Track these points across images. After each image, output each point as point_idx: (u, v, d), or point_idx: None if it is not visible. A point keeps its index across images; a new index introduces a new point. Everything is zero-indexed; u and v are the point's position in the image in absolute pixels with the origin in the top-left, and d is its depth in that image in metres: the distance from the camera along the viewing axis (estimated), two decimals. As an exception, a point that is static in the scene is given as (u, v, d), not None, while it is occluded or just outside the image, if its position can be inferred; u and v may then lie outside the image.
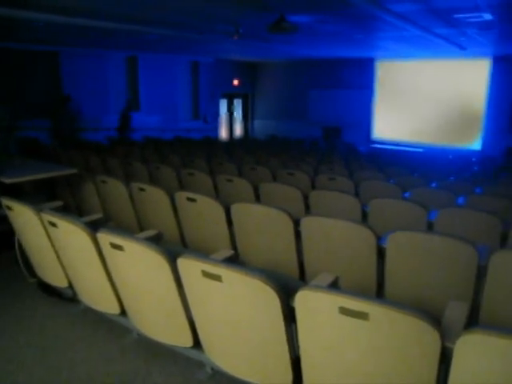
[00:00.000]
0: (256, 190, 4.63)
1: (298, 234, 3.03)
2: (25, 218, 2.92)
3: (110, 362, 2.66)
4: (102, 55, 12.41)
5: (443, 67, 13.21)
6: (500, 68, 12.28)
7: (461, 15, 6.71)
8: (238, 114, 17.28)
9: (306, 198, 4.31)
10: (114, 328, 2.93)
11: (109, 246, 2.30)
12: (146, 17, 7.40)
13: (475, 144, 13.01)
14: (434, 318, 1.49)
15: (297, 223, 3.00)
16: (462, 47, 10.04)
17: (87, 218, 3.12)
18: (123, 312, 2.63)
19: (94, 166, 6.20)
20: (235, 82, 16.53)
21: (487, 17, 6.71)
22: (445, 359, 1.52)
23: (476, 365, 1.45)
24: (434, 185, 5.51)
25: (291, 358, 1.89)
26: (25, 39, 9.83)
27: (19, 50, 10.61)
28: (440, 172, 6.92)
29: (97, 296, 2.80)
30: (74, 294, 3.02)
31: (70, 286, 2.99)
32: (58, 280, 3.07)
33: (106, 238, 2.32)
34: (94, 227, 2.47)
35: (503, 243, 3.34)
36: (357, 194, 4.80)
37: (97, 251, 2.47)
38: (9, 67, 10.45)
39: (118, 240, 2.23)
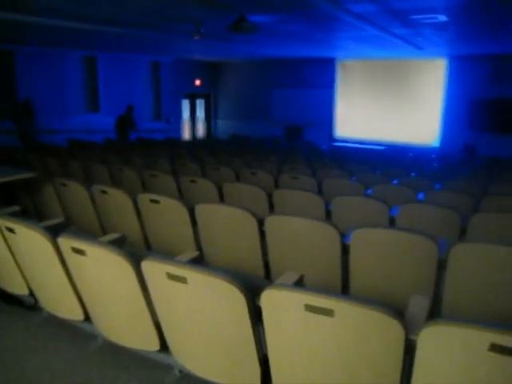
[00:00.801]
0: (220, 190, 4.62)
1: (262, 234, 3.04)
2: (-19, 225, 2.82)
3: (75, 370, 2.60)
4: (59, 55, 12.08)
5: (402, 66, 13.53)
6: (456, 67, 12.67)
7: (417, 16, 6.88)
8: (200, 114, 17.19)
9: (269, 197, 4.33)
10: (78, 334, 2.86)
11: (70, 251, 2.25)
12: (106, 16, 7.27)
13: (434, 141, 13.36)
14: (398, 312, 1.52)
15: (261, 222, 3.01)
16: (419, 47, 10.29)
17: (47, 223, 3.04)
18: (87, 318, 2.57)
19: (54, 169, 6.05)
20: (197, 82, 16.43)
21: (442, 18, 6.91)
22: (409, 351, 1.56)
23: (439, 355, 1.49)
24: (395, 181, 5.63)
25: (259, 357, 1.89)
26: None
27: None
28: (401, 169, 7.07)
29: (59, 303, 2.73)
30: (36, 301, 2.93)
31: (31, 293, 2.90)
32: (18, 288, 2.98)
33: (67, 242, 2.26)
34: (54, 232, 2.40)
35: (462, 236, 3.44)
36: (320, 192, 4.86)
37: (58, 256, 2.41)
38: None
39: (79, 244, 2.18)
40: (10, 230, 2.54)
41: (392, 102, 13.89)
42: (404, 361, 1.58)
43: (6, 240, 2.71)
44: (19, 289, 2.96)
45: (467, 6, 6.22)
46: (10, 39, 9.93)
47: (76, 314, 2.61)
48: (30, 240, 2.48)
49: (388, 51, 11.46)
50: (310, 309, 1.59)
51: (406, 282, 2.71)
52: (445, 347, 1.46)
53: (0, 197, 4.62)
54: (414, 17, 6.93)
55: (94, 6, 6.50)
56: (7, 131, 10.71)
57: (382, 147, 13.05)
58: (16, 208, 3.40)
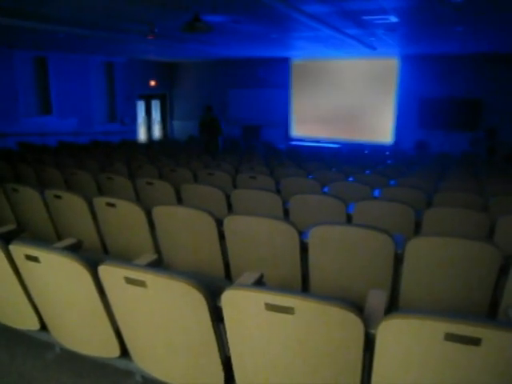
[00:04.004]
0: (177, 191, 4.58)
1: (221, 234, 3.03)
2: None
3: (33, 381, 2.52)
4: (7, 55, 11.64)
5: (356, 66, 13.80)
6: (407, 67, 13.04)
7: (369, 17, 7.04)
8: (156, 115, 16.97)
9: (227, 197, 4.33)
10: (35, 345, 2.77)
11: (24, 259, 2.17)
12: (56, 15, 7.07)
13: (388, 138, 13.69)
14: (357, 307, 1.55)
15: (220, 223, 3.01)
16: (372, 47, 10.53)
17: (-2, 230, 2.93)
18: (43, 327, 2.49)
19: (4, 173, 5.84)
20: (152, 83, 16.23)
21: (393, 19, 7.09)
22: (369, 345, 1.59)
23: (397, 347, 1.53)
24: (351, 179, 5.73)
25: (222, 359, 1.89)
26: None
27: None
28: (356, 166, 7.21)
29: (13, 312, 2.64)
30: (-13, 311, 2.82)
31: (-18, 303, 2.79)
32: (-33, 298, 2.86)
33: (19, 249, 2.19)
34: (6, 239, 2.32)
35: (417, 231, 3.55)
36: (278, 191, 4.89)
37: (10, 264, 2.32)
38: None
39: (33, 251, 2.11)
40: (-42, 239, 2.43)
41: (346, 101, 14.14)
42: (364, 355, 1.61)
43: (-47, 249, 2.60)
44: (-31, 299, 2.84)
45: (416, 8, 6.41)
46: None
47: (31, 324, 2.52)
48: (-20, 248, 2.38)
49: (342, 51, 11.66)
50: (271, 307, 1.60)
51: (364, 277, 2.76)
52: (403, 339, 1.50)
53: None
54: (366, 17, 7.08)
55: (44, 4, 6.31)
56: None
57: (337, 145, 13.28)
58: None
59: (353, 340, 1.59)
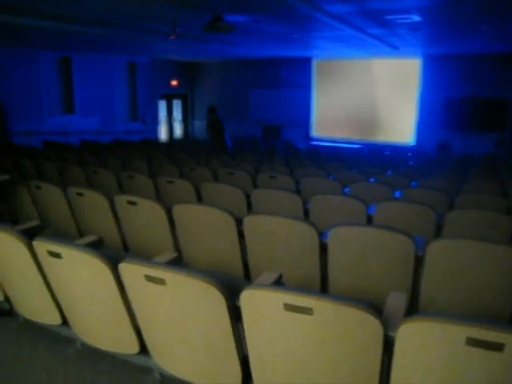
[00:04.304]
0: (197, 190, 4.60)
1: (241, 233, 3.03)
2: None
3: (54, 375, 2.56)
4: (32, 55, 11.87)
5: (378, 66, 13.68)
6: (430, 66, 12.88)
7: (391, 16, 6.97)
8: (177, 114, 17.09)
9: (247, 197, 4.33)
10: (56, 339, 2.81)
11: (46, 255, 2.21)
12: (81, 16, 7.17)
13: (410, 140, 13.55)
14: (376, 309, 1.54)
15: (239, 222, 3.01)
16: (394, 47, 10.43)
17: (22, 226, 2.98)
18: (65, 322, 2.53)
19: (29, 171, 5.95)
20: (174, 83, 16.34)
21: (416, 18, 7.01)
22: (388, 348, 1.57)
23: (417, 351, 1.51)
24: (371, 180, 5.69)
25: (239, 358, 1.89)
26: None
27: None
28: (377, 167, 7.14)
29: (36, 307, 2.69)
30: (11, 306, 2.88)
31: (7, 298, 2.84)
32: (-9, 293, 2.92)
33: (42, 245, 2.22)
34: (29, 235, 2.36)
35: (438, 233, 3.50)
36: (298, 191, 4.88)
37: (34, 260, 2.36)
38: None
39: (55, 247, 2.15)
40: (-17, 235, 2.49)
41: (368, 101, 14.03)
42: (383, 358, 1.60)
43: (-22, 244, 2.66)
44: (-7, 294, 2.90)
45: (439, 7, 6.33)
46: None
47: (53, 319, 2.57)
48: (5, 244, 2.43)
49: (364, 50, 11.58)
50: (289, 308, 1.59)
51: (383, 279, 2.74)
52: (423, 343, 1.48)
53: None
54: (389, 17, 7.02)
55: (69, 5, 6.41)
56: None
57: (358, 146, 13.18)
58: (-11, 212, 3.33)
59: (371, 342, 1.57)
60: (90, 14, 7.12)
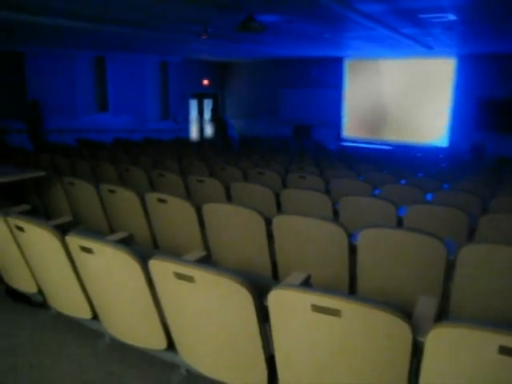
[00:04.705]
0: (227, 189, 4.62)
1: (270, 233, 3.03)
2: (-10, 223, 2.84)
3: (83, 368, 2.61)
4: (68, 55, 12.16)
5: (411, 66, 13.47)
6: (465, 67, 12.60)
7: (426, 15, 6.86)
8: (208, 113, 17.20)
9: (277, 196, 4.32)
10: (86, 332, 2.87)
11: (78, 250, 2.26)
12: (115, 17, 7.30)
13: (443, 141, 13.29)
14: (405, 313, 1.52)
15: (268, 222, 3.01)
16: (428, 46, 10.25)
17: (56, 222, 3.06)
18: (95, 316, 2.58)
19: (63, 168, 6.09)
20: (205, 82, 16.46)
21: (451, 17, 6.87)
22: (416, 353, 1.55)
23: (446, 357, 1.48)
24: (403, 182, 5.61)
25: (266, 357, 1.89)
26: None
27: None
28: (409, 169, 7.04)
29: (67, 301, 2.75)
30: (44, 299, 2.95)
31: (40, 291, 2.92)
32: (26, 286, 3.00)
33: (75, 241, 2.27)
34: (62, 230, 2.42)
35: (470, 237, 3.42)
36: (327, 192, 4.85)
37: (66, 255, 2.42)
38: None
39: (87, 243, 2.19)
40: (20, 229, 2.56)
41: (400, 102, 13.84)
42: (411, 363, 1.57)
43: (15, 238, 2.73)
44: (28, 287, 2.98)
45: (476, 5, 6.18)
46: (20, 40, 10.00)
47: (84, 313, 2.62)
48: (39, 238, 2.50)
49: (397, 50, 11.42)
50: (317, 309, 1.58)
51: (413, 282, 2.70)
52: (453, 350, 1.45)
53: (11, 195, 4.65)
54: (423, 16, 6.90)
55: (104, 7, 6.53)
56: (18, 131, 10.81)
57: (389, 147, 13.01)
58: (26, 207, 3.42)
59: (400, 346, 1.55)
60: (125, 15, 7.23)
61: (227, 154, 8.10)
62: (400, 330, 1.51)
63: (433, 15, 6.81)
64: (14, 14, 6.49)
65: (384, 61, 13.79)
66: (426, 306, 1.91)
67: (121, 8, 6.64)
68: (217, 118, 12.47)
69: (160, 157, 6.99)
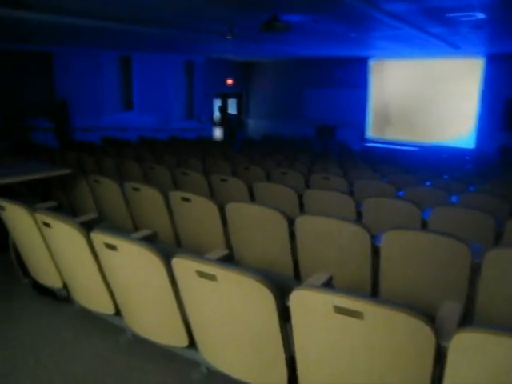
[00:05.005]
0: (250, 189, 4.63)
1: (292, 233, 3.03)
2: (18, 219, 2.90)
3: (105, 362, 2.65)
4: (95, 55, 12.35)
5: (437, 66, 13.26)
6: (493, 67, 12.34)
7: (454, 14, 6.74)
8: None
9: (300, 197, 4.31)
10: (109, 328, 2.91)
11: (103, 246, 2.29)
12: (140, 16, 7.38)
13: (469, 142, 13.06)
14: (429, 316, 1.49)
15: (291, 222, 3.00)
16: (455, 46, 10.08)
17: (81, 218, 3.11)
18: (118, 312, 2.62)
19: (89, 166, 6.18)
20: (229, 82, 16.50)
21: (480, 16, 6.74)
22: (440, 358, 1.53)
23: (470, 363, 1.45)
24: (428, 183, 5.53)
25: (286, 357, 1.89)
26: (17, 39, 9.76)
27: (11, 50, 10.55)
28: (434, 171, 6.94)
29: (91, 296, 2.79)
30: (69, 294, 3.00)
31: (65, 286, 2.97)
32: (52, 280, 3.05)
33: (100, 237, 2.31)
34: (88, 227, 2.46)
35: (497, 241, 3.35)
36: (351, 193, 4.81)
37: (91, 251, 2.46)
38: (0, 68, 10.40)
39: (111, 240, 2.22)
40: (47, 225, 2.61)
41: (426, 103, 13.64)
42: (434, 368, 1.55)
43: (42, 234, 2.79)
44: (53, 281, 3.03)
45: (505, 3, 6.05)
46: (49, 40, 10.20)
47: (107, 308, 2.66)
48: (65, 234, 2.54)
49: (423, 50, 11.25)
50: (339, 310, 1.57)
51: (437, 286, 2.66)
52: (477, 356, 1.42)
53: (38, 192, 4.74)
54: (451, 15, 6.78)
55: (129, 7, 6.61)
56: (44, 129, 11.02)
57: (414, 148, 12.83)
58: (53, 203, 3.49)
59: (423, 351, 1.53)
60: (150, 15, 7.30)
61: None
62: (423, 334, 1.49)
63: (461, 14, 6.69)
64: (42, 16, 6.62)
65: (409, 61, 13.60)
66: (450, 309, 1.89)
67: (147, 8, 6.71)
68: (224, 117, 13.01)
69: (184, 156, 7.04)
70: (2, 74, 10.36)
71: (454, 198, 4.56)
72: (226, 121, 12.96)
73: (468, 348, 1.43)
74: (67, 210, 4.76)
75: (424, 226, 3.64)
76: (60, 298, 3.26)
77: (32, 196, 4.46)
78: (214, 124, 13.05)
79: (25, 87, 10.82)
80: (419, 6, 6.27)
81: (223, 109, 12.99)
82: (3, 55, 10.43)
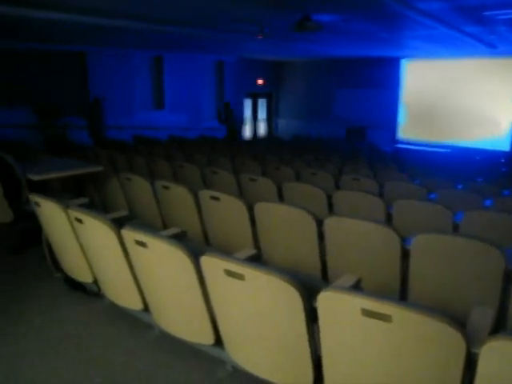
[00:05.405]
0: (279, 189, 4.62)
1: (321, 234, 3.01)
2: (52, 214, 2.98)
3: (132, 358, 2.70)
4: (128, 55, 12.56)
5: (472, 66, 12.97)
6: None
7: (491, 12, 6.57)
8: (262, 113, 17.26)
9: (329, 198, 4.29)
10: (137, 324, 2.96)
11: (133, 243, 2.33)
12: (172, 17, 7.46)
13: (504, 145, 12.72)
14: (459, 322, 1.46)
15: (320, 223, 2.99)
16: (492, 46, 9.84)
17: (113, 215, 3.16)
18: (146, 308, 2.66)
19: (120, 163, 6.28)
20: (259, 82, 16.52)
21: (518, 14, 6.56)
22: (470, 365, 1.49)
23: (502, 372, 1.42)
24: (460, 186, 5.42)
25: (312, 358, 1.88)
26: (53, 40, 10.01)
27: (47, 51, 10.83)
28: (467, 173, 6.80)
29: (121, 292, 2.84)
30: (99, 289, 3.06)
31: (95, 281, 3.03)
32: (83, 275, 3.12)
33: (130, 234, 2.35)
34: (118, 224, 2.50)
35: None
36: (381, 195, 4.75)
37: (121, 247, 2.50)
38: (36, 67, 10.67)
39: (142, 237, 2.26)
40: (79, 221, 2.67)
41: (460, 104, 13.35)
42: (463, 375, 1.52)
43: (74, 230, 2.85)
44: (84, 276, 3.10)
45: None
46: (83, 41, 10.42)
47: (135, 304, 2.70)
48: (97, 231, 2.59)
49: (458, 50, 11.04)
50: (367, 313, 1.56)
51: (468, 291, 2.60)
52: (510, 364, 1.38)
53: (71, 189, 4.85)
54: (487, 13, 6.62)
55: (161, 8, 6.69)
56: (78, 127, 11.27)
57: (447, 150, 12.59)
58: (85, 200, 3.56)
59: (452, 357, 1.50)
60: (182, 16, 7.37)
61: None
62: (453, 340, 1.46)
63: (498, 12, 6.52)
64: (78, 17, 6.76)
65: (443, 61, 13.34)
66: (482, 316, 1.84)
67: (178, 8, 6.77)
68: (228, 115, 12.92)
69: (214, 155, 7.08)
70: (38, 73, 10.64)
71: (487, 202, 4.46)
72: (230, 118, 12.84)
73: (499, 356, 1.39)
74: (99, 206, 4.85)
75: (456, 229, 3.57)
76: (90, 292, 3.33)
77: (65, 192, 4.57)
78: (220, 121, 13.13)
79: (60, 86, 11.08)
80: (455, 5, 6.14)
81: (228, 104, 12.98)
82: (39, 56, 10.72)
